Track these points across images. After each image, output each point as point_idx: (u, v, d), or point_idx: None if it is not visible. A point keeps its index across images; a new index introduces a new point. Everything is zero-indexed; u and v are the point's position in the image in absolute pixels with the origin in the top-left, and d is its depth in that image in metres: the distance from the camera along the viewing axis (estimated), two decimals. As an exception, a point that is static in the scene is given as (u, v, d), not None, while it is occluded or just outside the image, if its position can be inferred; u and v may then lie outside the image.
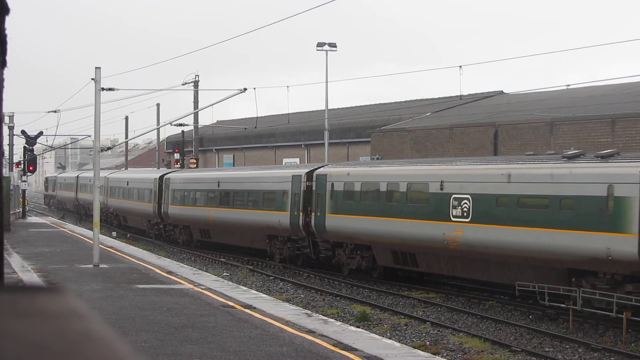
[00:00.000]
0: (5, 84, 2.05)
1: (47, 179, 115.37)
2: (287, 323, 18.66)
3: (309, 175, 36.35)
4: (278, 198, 38.34)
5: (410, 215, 29.86)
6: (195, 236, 48.85)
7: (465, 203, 27.57)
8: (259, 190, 40.48)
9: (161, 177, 53.79)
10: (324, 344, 16.24)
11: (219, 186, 44.84)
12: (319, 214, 35.09)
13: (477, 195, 27.19)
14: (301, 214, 36.40)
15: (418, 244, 29.75)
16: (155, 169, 75.81)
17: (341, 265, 34.64)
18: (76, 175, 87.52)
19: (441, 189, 28.57)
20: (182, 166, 70.52)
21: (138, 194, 57.70)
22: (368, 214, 32.11)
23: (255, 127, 55.18)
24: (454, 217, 27.89)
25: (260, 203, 40.06)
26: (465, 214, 27.54)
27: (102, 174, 69.93)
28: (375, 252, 32.52)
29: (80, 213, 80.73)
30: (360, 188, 32.95)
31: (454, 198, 27.96)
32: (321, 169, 36.43)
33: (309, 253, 37.02)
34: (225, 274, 35.49)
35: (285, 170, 39.61)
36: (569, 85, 42.16)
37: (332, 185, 34.53)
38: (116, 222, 66.19)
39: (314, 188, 35.75)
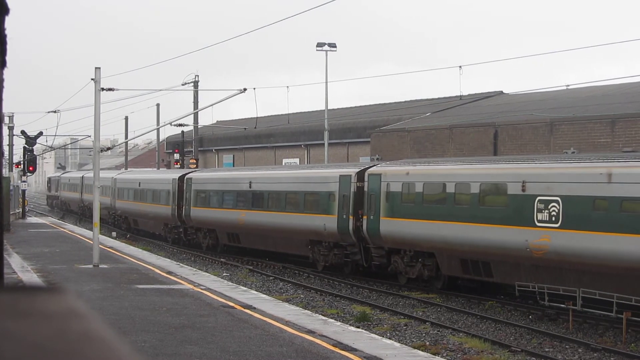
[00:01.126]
0: (5, 84, 2.05)
1: (49, 179, 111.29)
2: (287, 323, 18.66)
3: (360, 175, 33.16)
4: (323, 200, 35.09)
5: (484, 219, 26.91)
6: (222, 240, 45.24)
7: (554, 206, 24.65)
8: (300, 191, 37.08)
9: (182, 178, 49.90)
10: (324, 344, 16.24)
11: (250, 187, 41.39)
12: (372, 217, 31.93)
13: (569, 198, 24.20)
14: (351, 217, 33.22)
15: (493, 252, 26.51)
16: (175, 168, 73.06)
17: (398, 274, 31.78)
18: (81, 175, 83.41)
19: (523, 190, 25.68)
20: (182, 166, 70.45)
21: (153, 195, 54.08)
22: (432, 218, 29.04)
23: (255, 128, 55.17)
24: (539, 221, 24.99)
25: (301, 205, 36.67)
26: (553, 218, 24.62)
27: (109, 174, 67.55)
28: (440, 260, 29.33)
29: (86, 215, 76.63)
30: (422, 189, 29.79)
31: (539, 200, 25.06)
32: (374, 168, 33.00)
33: (360, 260, 33.71)
34: (225, 274, 35.49)
35: (331, 170, 36.12)
36: (568, 85, 42.23)
37: (388, 185, 31.35)
38: (125, 225, 62.77)
39: (365, 189, 32.52)
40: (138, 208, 57.78)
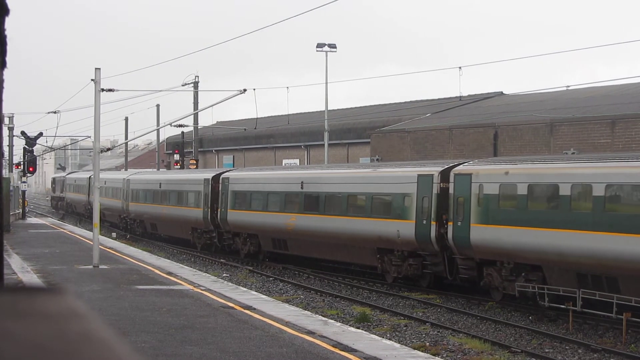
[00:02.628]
0: (5, 84, 2.05)
1: (54, 179, 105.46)
2: (286, 324, 18.66)
3: (444, 174, 29.34)
4: (397, 203, 31.17)
5: (612, 227, 23.01)
6: (266, 247, 40.86)
7: None
8: (367, 193, 32.92)
9: (216, 177, 45.30)
10: (324, 344, 16.24)
11: (302, 187, 37.02)
12: (459, 223, 27.98)
13: None
14: (433, 223, 29.33)
15: (623, 265, 22.79)
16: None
17: (491, 290, 27.65)
18: (88, 176, 76.47)
19: None
20: (182, 167, 70.41)
21: (178, 197, 49.48)
22: (540, 225, 25.04)
23: (255, 128, 55.21)
24: None
25: (368, 209, 32.58)
26: None
27: (120, 175, 64.89)
28: (549, 274, 25.36)
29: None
30: (526, 191, 25.89)
31: None
32: (462, 167, 28.91)
33: (442, 272, 29.99)
34: (225, 274, 35.50)
35: (407, 169, 31.96)
36: (568, 86, 42.24)
37: (480, 187, 27.42)
38: (141, 230, 58.23)
39: (451, 191, 28.59)
40: (158, 211, 52.96)
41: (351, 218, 33.45)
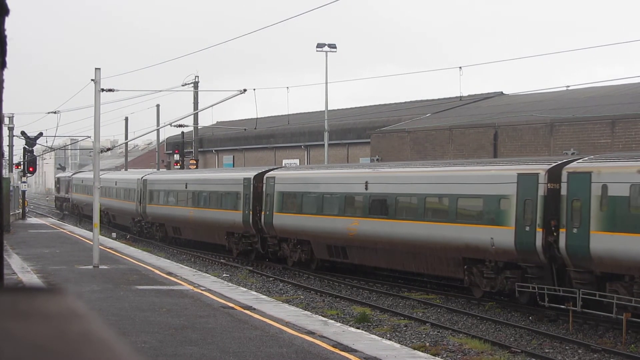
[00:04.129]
0: (5, 84, 2.05)
1: (58, 179, 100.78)
2: (286, 324, 18.66)
3: (553, 173, 25.26)
4: (490, 206, 27.02)
5: None
6: (319, 255, 36.45)
7: None
8: (449, 194, 28.80)
9: (259, 177, 40.62)
10: (324, 345, 16.25)
11: (367, 188, 32.85)
12: (575, 230, 24.14)
13: None
14: (539, 230, 25.05)
15: None
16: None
17: (617, 310, 22.85)
18: None
19: None
20: (182, 167, 70.30)
21: (210, 199, 45.11)
22: None
23: (255, 128, 55.23)
24: None
25: (451, 213, 28.60)
26: None
27: (134, 175, 60.66)
28: None
29: (103, 221, 68.99)
30: None
31: None
32: (576, 164, 24.85)
33: (553, 287, 25.12)
34: (225, 275, 35.49)
35: (503, 167, 27.62)
36: (568, 86, 42.21)
37: (604, 188, 23.40)
38: (160, 234, 53.55)
39: (563, 192, 24.61)
40: (184, 214, 48.50)
41: (430, 223, 29.22)
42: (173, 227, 51.32)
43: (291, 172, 40.43)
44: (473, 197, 27.79)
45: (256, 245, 41.16)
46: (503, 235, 26.21)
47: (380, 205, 31.99)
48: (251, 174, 41.57)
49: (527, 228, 25.45)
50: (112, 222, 65.69)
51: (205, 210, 45.57)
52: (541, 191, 25.20)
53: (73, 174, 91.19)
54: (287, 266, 32.14)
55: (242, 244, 42.01)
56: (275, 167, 45.56)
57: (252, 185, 40.65)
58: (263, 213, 39.42)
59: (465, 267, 27.95)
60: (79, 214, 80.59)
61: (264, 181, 39.76)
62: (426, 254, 29.76)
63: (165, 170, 71.09)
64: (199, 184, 47.62)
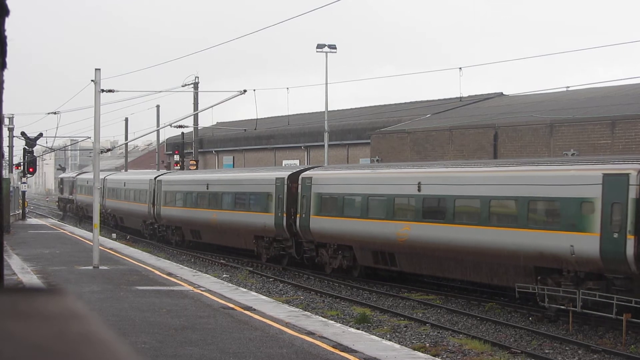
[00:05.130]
0: (5, 85, 2.05)
1: (62, 179, 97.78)
2: (286, 325, 18.66)
3: None
4: (569, 210, 24.32)
5: None
6: (363, 261, 33.72)
7: None
8: (519, 196, 25.95)
9: (293, 177, 37.81)
10: (324, 345, 16.24)
11: (419, 190, 30.19)
12: None
13: None
14: (630, 237, 22.58)
15: None
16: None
17: None
18: (103, 177, 67.73)
19: None
20: (182, 168, 70.27)
21: (236, 200, 42.32)
22: None
23: (255, 129, 55.23)
24: None
25: (522, 217, 25.78)
26: None
27: (145, 175, 58.24)
28: None
29: (109, 223, 65.60)
30: None
31: None
32: None
33: None
34: (225, 275, 35.49)
35: (583, 167, 24.95)
36: (568, 87, 42.16)
37: None
38: (177, 237, 50.85)
39: None
40: (205, 217, 45.42)
41: (496, 229, 26.44)
42: (191, 231, 48.44)
43: (330, 172, 36.90)
44: (549, 200, 24.95)
45: (290, 250, 38.44)
46: (586, 243, 23.50)
47: (436, 209, 29.25)
48: (285, 173, 38.80)
49: (616, 235, 22.92)
50: (120, 225, 63.64)
51: (231, 213, 42.67)
52: (632, 193, 22.52)
53: (77, 175, 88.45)
54: (324, 275, 30.38)
55: (274, 248, 39.31)
56: (311, 166, 42.64)
57: (286, 186, 37.81)
58: (299, 216, 36.63)
59: (539, 277, 25.05)
60: (84, 216, 77.65)
61: (299, 182, 36.96)
62: (490, 262, 26.87)
63: (182, 170, 68.13)
64: (222, 184, 44.61)
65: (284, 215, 37.60)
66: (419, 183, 29.89)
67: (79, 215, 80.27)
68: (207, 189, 45.51)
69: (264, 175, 40.81)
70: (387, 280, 32.93)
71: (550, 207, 24.89)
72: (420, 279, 32.50)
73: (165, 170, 67.29)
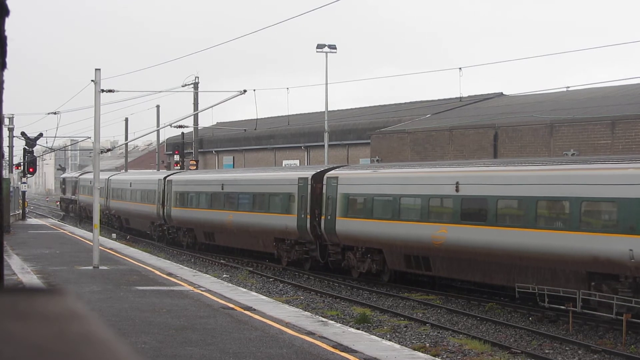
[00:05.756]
0: (5, 85, 2.05)
1: (64, 179, 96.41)
2: (286, 325, 18.66)
3: None
4: (628, 211, 22.49)
5: None
6: (394, 265, 31.94)
7: None
8: (571, 197, 24.09)
9: (318, 176, 35.90)
10: (324, 345, 16.24)
11: (457, 190, 28.40)
12: None
13: None
14: None
15: None
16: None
17: None
18: (107, 177, 67.68)
19: None
20: (182, 168, 70.28)
21: (255, 201, 40.52)
22: None
23: (255, 129, 55.24)
24: None
25: (573, 220, 24.02)
26: None
27: (155, 175, 56.09)
28: None
29: (114, 225, 64.25)
30: None
31: None
32: None
33: None
34: (225, 275, 35.49)
35: None
36: (568, 87, 42.20)
37: None
38: (188, 239, 48.84)
39: None
40: (221, 218, 43.59)
41: (543, 231, 24.71)
42: (205, 233, 46.42)
43: (358, 171, 35.00)
44: (604, 200, 23.20)
45: (313, 253, 36.74)
46: None
47: (476, 210, 27.50)
48: (308, 173, 36.97)
49: None
50: (126, 227, 62.03)
51: (248, 214, 40.80)
52: None
53: (80, 175, 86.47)
54: (351, 280, 29.44)
55: (296, 252, 37.47)
56: (337, 165, 40.56)
57: (310, 186, 36.05)
58: (324, 217, 34.88)
59: (593, 283, 23.39)
60: (87, 217, 75.00)
61: (324, 181, 35.22)
62: (537, 267, 25.07)
63: (194, 169, 66.08)
64: (239, 184, 42.62)
65: (308, 216, 35.98)
66: (457, 183, 28.27)
67: (82, 216, 78.42)
68: (223, 189, 43.76)
69: (286, 175, 39.26)
70: (418, 286, 31.56)
71: (607, 209, 23.15)
72: (456, 284, 30.94)
73: (177, 169, 65.83)
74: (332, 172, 35.46)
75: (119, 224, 63.56)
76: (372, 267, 32.74)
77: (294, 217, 36.79)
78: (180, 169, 68.62)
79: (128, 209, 60.40)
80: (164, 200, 51.01)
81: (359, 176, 33.82)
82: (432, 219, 29.10)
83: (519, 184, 25.83)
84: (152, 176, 56.26)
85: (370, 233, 32.14)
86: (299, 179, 36.89)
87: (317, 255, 36.36)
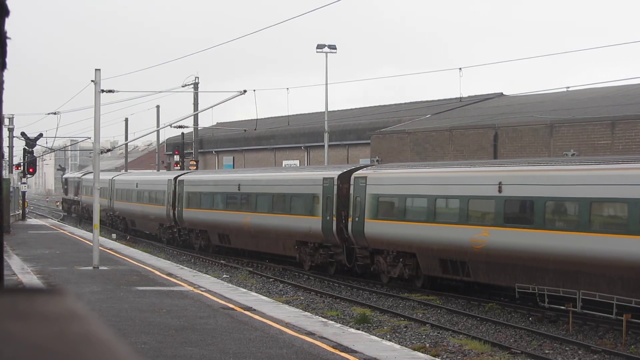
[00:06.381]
0: (5, 85, 2.05)
1: (66, 179, 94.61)
2: (286, 325, 18.66)
3: None
4: None
5: None
6: (427, 270, 30.19)
7: None
8: (631, 199, 22.27)
9: (344, 176, 34.36)
10: (324, 345, 16.25)
11: (500, 191, 26.58)
12: None
13: None
14: None
15: None
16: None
17: None
18: (110, 178, 65.83)
19: None
20: (182, 168, 70.31)
21: (274, 202, 38.97)
22: None
23: (255, 129, 55.22)
24: None
25: (634, 222, 22.21)
26: None
27: (164, 175, 54.78)
28: None
29: (119, 227, 62.68)
30: None
31: None
32: None
33: None
34: (225, 275, 35.49)
35: None
36: (568, 87, 42.21)
37: None
38: (200, 241, 47.29)
39: None
40: (237, 220, 41.82)
41: (599, 235, 22.90)
42: (220, 235, 44.53)
43: (388, 171, 32.93)
44: None
45: (339, 257, 35.00)
46: None
47: (521, 212, 25.86)
48: (334, 173, 35.04)
49: None
50: (131, 229, 60.45)
51: (268, 216, 39.07)
52: None
53: (83, 175, 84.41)
54: (380, 287, 28.36)
55: (320, 255, 35.74)
56: (364, 165, 38.53)
57: (336, 187, 34.30)
58: (351, 220, 33.14)
59: None
60: (89, 218, 72.49)
61: (352, 182, 33.48)
62: (591, 273, 23.29)
63: (208, 169, 64.29)
64: (258, 185, 40.74)
65: (334, 218, 34.24)
66: (500, 183, 26.45)
67: (85, 217, 76.37)
68: (239, 189, 41.94)
69: (310, 174, 37.28)
70: (454, 292, 29.86)
71: None
72: (495, 291, 29.00)
73: (178, 170, 64.31)
74: (360, 171, 33.81)
75: (123, 226, 62.07)
76: (404, 271, 30.97)
77: (319, 219, 35.19)
78: (180, 169, 68.63)
79: (134, 211, 58.60)
80: (175, 202, 49.42)
81: (389, 176, 32.01)
82: (472, 221, 27.34)
83: (570, 185, 24.04)
84: (161, 176, 54.80)
85: (403, 236, 30.36)
86: (324, 179, 35.26)
87: (344, 259, 34.68)
